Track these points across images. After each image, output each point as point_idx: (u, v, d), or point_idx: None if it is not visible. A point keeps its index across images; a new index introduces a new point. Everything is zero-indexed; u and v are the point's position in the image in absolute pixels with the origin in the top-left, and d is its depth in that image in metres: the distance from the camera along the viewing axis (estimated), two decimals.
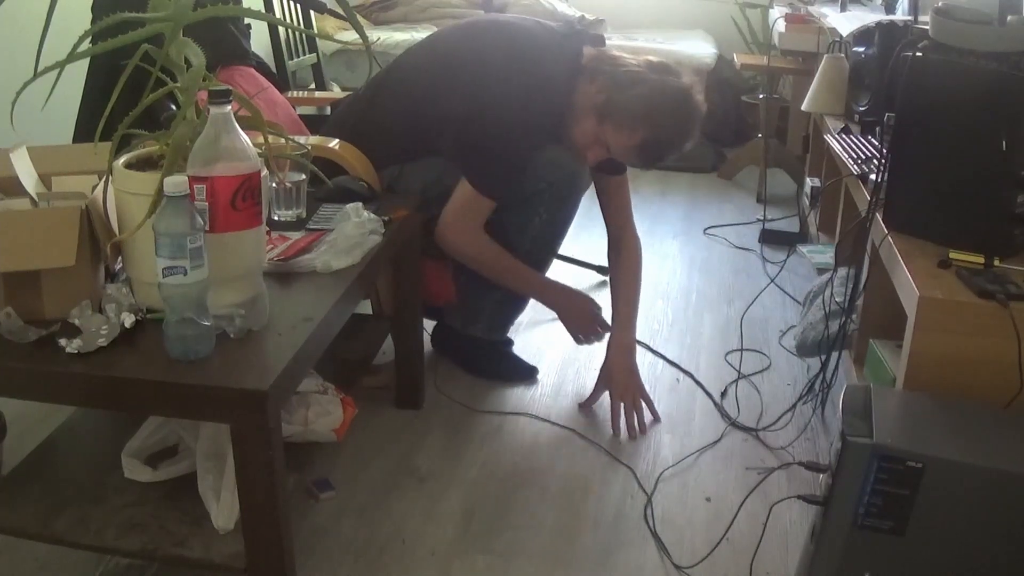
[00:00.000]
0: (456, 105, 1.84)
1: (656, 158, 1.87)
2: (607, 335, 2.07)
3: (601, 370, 2.04)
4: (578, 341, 2.11)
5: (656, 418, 1.98)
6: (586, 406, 2.01)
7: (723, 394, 2.08)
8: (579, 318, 2.08)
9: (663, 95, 1.80)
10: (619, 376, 1.99)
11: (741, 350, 2.28)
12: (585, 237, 2.85)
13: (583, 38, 1.93)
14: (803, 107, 2.69)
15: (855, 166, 1.93)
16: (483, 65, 1.86)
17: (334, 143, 1.91)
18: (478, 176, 1.83)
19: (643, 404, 1.97)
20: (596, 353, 2.26)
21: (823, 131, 2.55)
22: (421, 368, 2.02)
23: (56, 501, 1.34)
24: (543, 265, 2.14)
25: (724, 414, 1.99)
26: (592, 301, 2.09)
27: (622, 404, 1.95)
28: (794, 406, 1.96)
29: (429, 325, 2.17)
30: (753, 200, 3.58)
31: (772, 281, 2.69)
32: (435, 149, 1.90)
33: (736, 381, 2.13)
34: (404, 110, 1.93)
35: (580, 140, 1.87)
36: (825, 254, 2.67)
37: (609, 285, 2.18)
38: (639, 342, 2.33)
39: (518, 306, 2.14)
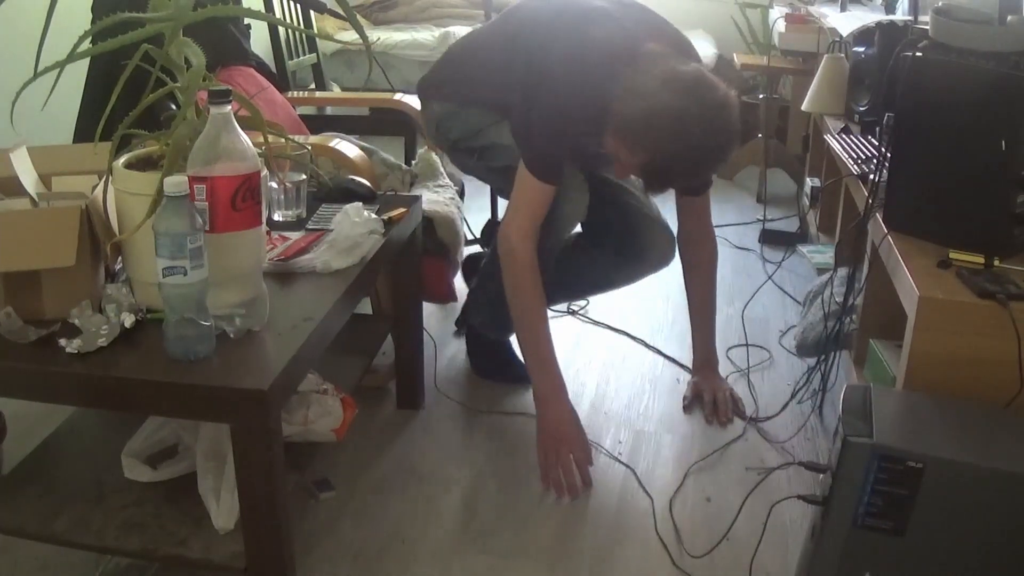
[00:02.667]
0: (521, 75, 1.78)
1: (662, 182, 1.69)
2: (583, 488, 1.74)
3: (688, 387, 2.09)
4: (544, 478, 1.73)
5: (743, 417, 1.98)
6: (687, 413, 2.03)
7: None
8: (557, 441, 1.75)
9: (664, 116, 1.57)
10: (708, 396, 2.03)
11: (745, 345, 2.28)
12: None
13: (644, 33, 1.75)
14: (803, 107, 2.69)
15: (855, 166, 1.93)
16: (550, 41, 1.75)
17: (334, 143, 1.91)
18: (528, 151, 1.75)
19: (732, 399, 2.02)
20: (597, 354, 2.27)
21: (823, 131, 2.55)
22: (421, 368, 2.02)
23: (56, 501, 1.34)
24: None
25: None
26: (581, 441, 1.77)
27: (715, 401, 2.01)
28: (792, 398, 1.96)
29: (429, 323, 2.17)
30: (753, 200, 3.58)
31: (769, 278, 2.70)
32: (496, 106, 1.89)
33: (737, 376, 2.13)
34: (499, 57, 1.88)
35: (607, 149, 1.70)
36: (825, 254, 2.68)
37: (686, 294, 2.11)
38: (639, 340, 2.33)
39: None
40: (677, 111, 1.56)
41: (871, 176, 1.74)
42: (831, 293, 2.01)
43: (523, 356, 1.85)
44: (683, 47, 1.81)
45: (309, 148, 1.74)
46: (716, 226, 3.16)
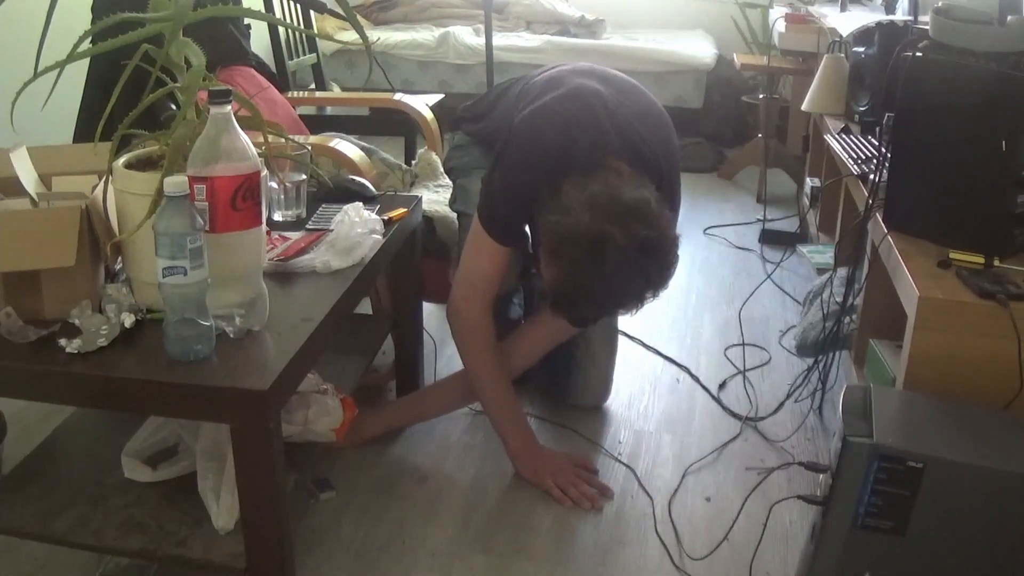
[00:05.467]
0: (507, 127, 1.69)
1: (565, 307, 1.52)
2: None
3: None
4: (562, 500, 1.69)
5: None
6: None
7: (721, 386, 2.10)
8: (552, 476, 1.72)
9: (581, 238, 1.42)
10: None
11: (742, 344, 2.28)
12: None
13: (617, 145, 1.58)
14: (803, 107, 2.69)
15: (855, 166, 1.93)
16: (536, 103, 1.64)
17: (334, 143, 1.91)
18: (483, 200, 1.67)
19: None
20: None
21: (823, 131, 2.55)
22: (421, 368, 2.02)
23: (56, 501, 1.34)
24: None
25: (724, 407, 2.00)
26: (569, 463, 1.76)
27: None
28: (788, 398, 1.96)
29: (429, 323, 2.17)
30: (753, 200, 3.58)
31: (768, 277, 2.70)
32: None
33: (736, 375, 2.13)
34: (511, 103, 1.81)
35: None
36: (825, 254, 2.67)
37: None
38: (638, 340, 2.33)
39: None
40: (596, 236, 1.41)
41: (871, 176, 1.74)
42: (831, 293, 2.01)
43: (489, 416, 1.79)
44: (652, 165, 1.60)
45: (309, 148, 1.74)
46: (716, 226, 3.22)
